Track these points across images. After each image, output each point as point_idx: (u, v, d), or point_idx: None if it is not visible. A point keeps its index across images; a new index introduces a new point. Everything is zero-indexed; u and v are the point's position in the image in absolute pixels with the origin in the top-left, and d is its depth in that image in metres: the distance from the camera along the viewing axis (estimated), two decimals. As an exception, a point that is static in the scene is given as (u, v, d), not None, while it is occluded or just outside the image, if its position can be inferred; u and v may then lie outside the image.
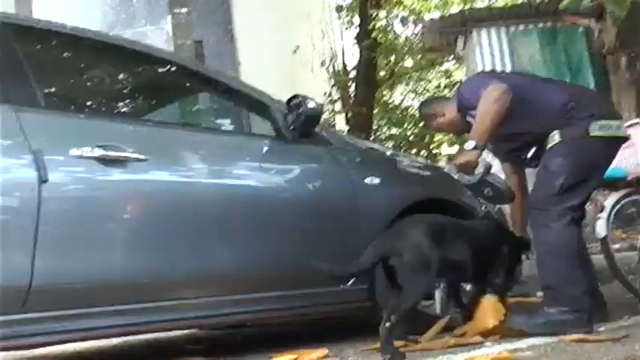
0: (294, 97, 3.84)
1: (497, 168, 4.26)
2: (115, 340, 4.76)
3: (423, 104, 4.76)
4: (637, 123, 4.86)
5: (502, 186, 3.83)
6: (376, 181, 3.98)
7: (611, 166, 4.02)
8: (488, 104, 3.65)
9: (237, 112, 4.62)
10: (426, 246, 3.33)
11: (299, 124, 3.79)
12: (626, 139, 3.83)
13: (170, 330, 4.06)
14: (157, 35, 13.27)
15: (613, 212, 4.47)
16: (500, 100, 3.63)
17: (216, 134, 3.98)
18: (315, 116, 3.83)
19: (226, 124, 5.10)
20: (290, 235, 3.63)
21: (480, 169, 3.71)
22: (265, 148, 3.84)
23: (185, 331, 5.05)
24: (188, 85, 4.30)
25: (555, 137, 3.73)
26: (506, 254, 3.87)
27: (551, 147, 3.76)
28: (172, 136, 3.51)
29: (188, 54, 9.50)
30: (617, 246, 5.03)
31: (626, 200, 4.59)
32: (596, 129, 3.65)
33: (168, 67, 3.87)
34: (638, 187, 4.64)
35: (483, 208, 4.62)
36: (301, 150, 3.90)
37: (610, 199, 4.54)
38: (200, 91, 4.74)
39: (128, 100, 4.19)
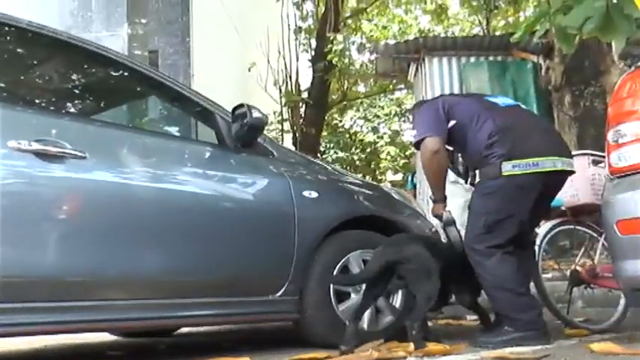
0: (240, 106, 3.85)
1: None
2: (36, 344, 4.68)
3: None
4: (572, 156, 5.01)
5: (454, 238, 4.14)
6: (315, 194, 4.02)
7: None
8: (425, 166, 4.12)
9: (183, 118, 4.61)
10: (428, 256, 3.71)
11: (242, 133, 3.81)
12: (556, 171, 3.93)
13: (98, 330, 4.02)
14: (113, 42, 13.20)
15: (545, 240, 4.60)
16: (435, 158, 4.02)
17: (158, 137, 3.95)
18: (259, 126, 3.85)
19: (170, 128, 5.12)
20: (224, 243, 3.62)
21: (443, 218, 4.17)
22: (207, 155, 3.85)
23: (108, 338, 5.02)
24: (136, 87, 4.26)
25: (477, 176, 4.04)
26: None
27: (475, 185, 4.07)
28: (114, 136, 3.49)
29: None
30: (549, 275, 5.18)
31: (558, 229, 4.74)
32: (509, 168, 3.83)
33: (118, 67, 3.84)
34: (572, 217, 4.78)
35: (432, 229, 4.75)
36: (242, 159, 3.91)
37: (543, 228, 4.68)
38: (148, 94, 4.72)
39: (74, 98, 4.16)
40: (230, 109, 3.91)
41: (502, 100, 4.42)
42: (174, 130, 5.00)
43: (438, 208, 4.21)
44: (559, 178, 4.05)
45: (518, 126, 4.04)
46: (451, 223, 4.17)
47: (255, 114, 3.78)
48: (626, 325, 4.56)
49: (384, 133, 23.93)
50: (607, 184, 2.81)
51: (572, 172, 4.11)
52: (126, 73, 3.85)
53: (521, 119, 4.19)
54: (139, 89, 4.36)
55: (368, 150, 23.07)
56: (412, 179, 12.91)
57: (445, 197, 4.23)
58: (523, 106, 4.54)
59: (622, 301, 4.67)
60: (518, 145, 3.90)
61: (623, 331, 4.39)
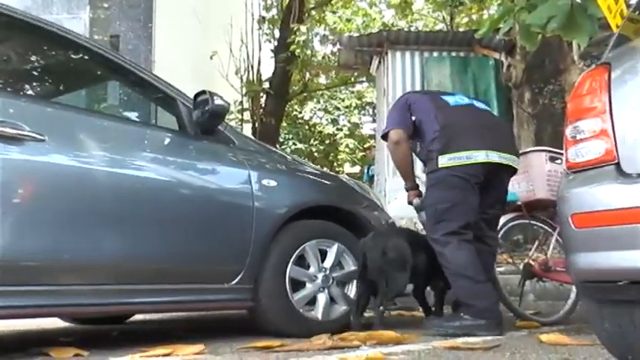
0: (202, 92, 3.83)
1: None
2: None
3: None
4: (529, 151, 5.08)
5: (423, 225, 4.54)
6: (273, 183, 4.02)
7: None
8: (391, 154, 4.54)
9: (144, 103, 4.56)
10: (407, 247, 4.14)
11: (203, 120, 3.79)
12: (490, 163, 4.19)
13: (50, 316, 3.96)
14: (74, 25, 12.96)
15: (499, 234, 4.66)
16: (398, 149, 4.40)
17: (119, 122, 3.89)
18: (220, 113, 3.83)
19: (131, 113, 5.05)
20: (181, 230, 3.60)
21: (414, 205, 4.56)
22: (166, 141, 3.81)
23: (61, 324, 4.95)
24: (98, 70, 4.22)
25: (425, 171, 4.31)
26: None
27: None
28: (74, 119, 3.43)
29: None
30: (502, 269, 5.24)
31: (513, 223, 4.80)
32: (445, 161, 4.19)
33: (79, 50, 3.78)
34: (527, 212, 4.84)
35: (390, 220, 4.82)
36: (202, 146, 3.89)
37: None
38: (109, 78, 4.66)
39: (34, 80, 4.10)
40: (191, 96, 3.87)
41: (455, 99, 4.60)
42: (134, 115, 4.93)
43: (410, 196, 4.58)
44: (499, 171, 4.30)
45: (460, 124, 4.34)
46: (421, 209, 4.47)
47: (217, 101, 3.76)
48: (575, 318, 4.66)
49: (344, 126, 24.08)
50: (563, 179, 2.83)
51: (514, 169, 4.39)
52: (87, 56, 3.81)
53: (466, 117, 4.43)
54: (100, 72, 4.33)
55: (327, 142, 23.20)
56: (368, 171, 13.01)
57: (417, 185, 4.54)
58: (478, 105, 4.64)
59: (572, 295, 4.77)
60: (454, 141, 4.22)
61: (572, 324, 4.50)
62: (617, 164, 2.50)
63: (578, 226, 2.54)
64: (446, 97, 4.59)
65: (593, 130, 2.61)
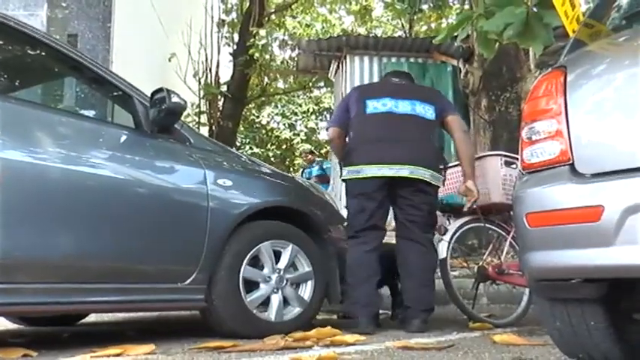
0: (159, 90, 3.78)
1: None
2: None
3: None
4: (485, 156, 5.12)
5: None
6: (229, 183, 3.98)
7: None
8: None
9: (100, 100, 4.49)
10: None
11: (160, 118, 3.75)
12: (374, 177, 4.38)
13: (1, 315, 3.88)
14: (31, 23, 12.69)
15: (454, 237, 4.69)
16: (334, 146, 4.95)
17: (73, 118, 3.76)
18: (177, 111, 3.79)
19: (87, 110, 4.98)
20: (135, 228, 3.54)
21: None
22: (122, 139, 3.74)
23: (10, 326, 4.85)
24: (54, 65, 4.14)
25: None
26: None
27: None
28: (29, 114, 3.33)
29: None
30: (456, 273, 5.27)
31: (468, 227, 4.83)
32: (345, 173, 4.56)
33: (35, 44, 3.69)
34: (482, 216, 4.87)
35: (345, 223, 4.77)
36: (158, 144, 3.83)
37: (453, 225, 4.78)
38: (65, 74, 4.57)
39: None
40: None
41: (375, 105, 4.60)
42: (90, 112, 4.86)
43: None
44: (403, 183, 4.39)
45: (363, 135, 4.56)
46: None
47: (174, 99, 3.73)
48: (527, 320, 4.70)
49: (301, 131, 24.14)
50: (519, 179, 2.86)
51: (418, 180, 4.39)
52: (44, 51, 3.73)
53: (372, 129, 4.54)
54: (57, 68, 4.25)
55: (283, 146, 23.24)
56: (303, 174, 13.09)
57: None
58: (401, 111, 4.57)
59: (525, 298, 4.82)
60: (352, 154, 4.53)
61: (524, 326, 4.55)
62: (572, 165, 2.53)
63: (533, 225, 2.56)
64: (369, 101, 4.61)
65: (549, 132, 2.64)
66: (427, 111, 4.60)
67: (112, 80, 3.81)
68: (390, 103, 4.58)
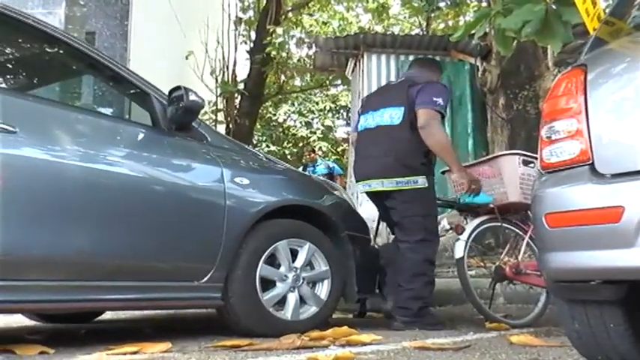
0: (177, 88, 3.78)
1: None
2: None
3: None
4: (502, 155, 5.10)
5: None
6: (246, 181, 3.98)
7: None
8: None
9: (118, 98, 4.50)
10: None
11: (177, 116, 3.75)
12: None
13: (17, 312, 3.90)
14: (49, 21, 12.77)
15: (472, 236, 4.67)
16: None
17: (91, 116, 3.77)
18: (194, 109, 3.79)
19: (105, 108, 4.99)
20: (152, 226, 3.54)
21: None
22: (139, 137, 3.76)
23: (27, 322, 4.88)
24: (72, 63, 4.14)
25: None
26: None
27: None
28: (47, 112, 3.35)
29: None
30: (473, 272, 5.25)
31: (485, 226, 4.82)
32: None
33: (54, 42, 3.69)
34: (499, 215, 4.85)
35: (361, 221, 4.82)
36: (176, 142, 3.83)
37: (470, 224, 4.77)
38: (84, 72, 4.58)
39: (7, 72, 4.02)
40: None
41: (367, 122, 4.94)
42: (108, 109, 4.88)
43: None
44: (381, 194, 4.76)
45: (358, 152, 5.02)
46: None
47: (192, 97, 3.73)
48: (544, 321, 4.67)
49: (317, 129, 24.11)
50: (538, 179, 2.83)
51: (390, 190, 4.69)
52: (62, 49, 3.74)
53: (361, 146, 4.98)
54: (75, 66, 4.25)
55: (300, 144, 23.21)
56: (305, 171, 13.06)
57: None
58: (384, 124, 4.78)
59: (542, 298, 4.79)
60: (355, 170, 5.01)
61: (541, 327, 4.52)
62: (592, 165, 2.50)
63: (552, 225, 2.54)
64: (361, 117, 5.04)
65: (569, 131, 2.62)
66: (394, 116, 4.74)
67: (130, 78, 3.82)
68: (369, 119, 4.94)
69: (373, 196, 4.88)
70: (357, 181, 4.98)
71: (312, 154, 13.92)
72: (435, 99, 4.62)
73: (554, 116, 2.71)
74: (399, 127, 4.68)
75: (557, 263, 2.55)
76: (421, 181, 4.60)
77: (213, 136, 4.15)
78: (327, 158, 14.56)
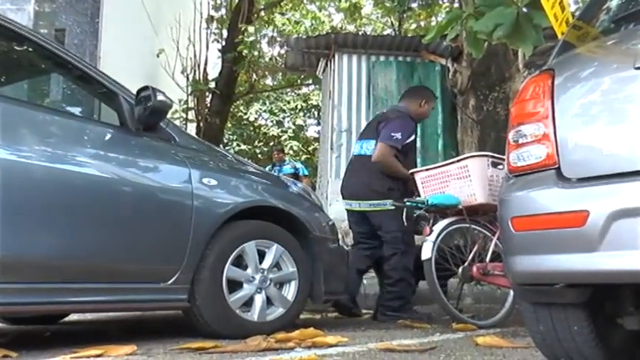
0: (144, 88, 3.75)
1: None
2: None
3: None
4: (471, 156, 5.12)
5: None
6: (214, 182, 3.96)
7: (446, 194, 4.91)
8: None
9: (86, 97, 4.45)
10: None
11: (145, 116, 3.72)
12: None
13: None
14: (18, 17, 12.65)
15: (440, 237, 4.68)
16: None
17: (59, 116, 3.72)
18: (162, 109, 3.77)
19: (74, 107, 4.94)
20: (118, 227, 3.52)
21: None
22: (107, 137, 3.72)
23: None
24: (39, 62, 4.09)
25: None
26: None
27: None
28: (13, 111, 3.29)
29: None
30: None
31: (453, 227, 4.83)
32: None
33: (20, 41, 3.64)
34: (468, 216, 4.87)
35: (330, 222, 4.82)
36: (143, 142, 3.80)
37: (438, 225, 4.77)
38: (51, 71, 4.54)
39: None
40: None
41: (356, 150, 5.84)
42: (75, 109, 4.82)
43: None
44: (366, 214, 5.52)
45: (346, 174, 5.90)
46: None
47: (160, 97, 3.70)
48: (512, 322, 4.70)
49: (289, 128, 24.08)
50: (505, 182, 2.84)
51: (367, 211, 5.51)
52: (28, 47, 3.69)
53: (351, 169, 5.84)
54: (41, 64, 4.21)
55: (271, 144, 23.17)
56: (284, 168, 13.03)
57: None
58: (362, 154, 5.67)
59: (509, 299, 4.81)
60: (341, 189, 5.83)
61: (509, 327, 4.55)
62: (558, 169, 2.52)
63: (518, 229, 2.55)
64: (356, 143, 6.02)
65: (536, 135, 2.63)
66: (369, 148, 5.60)
67: (98, 77, 3.78)
68: (356, 147, 5.88)
69: (357, 213, 5.62)
70: (342, 199, 5.79)
71: (280, 154, 13.89)
72: (392, 134, 5.38)
73: (521, 120, 2.72)
74: (370, 157, 5.50)
75: (523, 266, 2.56)
76: (389, 204, 5.17)
77: (182, 136, 4.13)
78: (296, 158, 14.55)
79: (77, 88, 4.50)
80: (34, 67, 4.33)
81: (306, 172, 13.83)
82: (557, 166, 2.52)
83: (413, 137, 5.54)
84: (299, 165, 13.56)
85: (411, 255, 5.24)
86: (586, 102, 2.54)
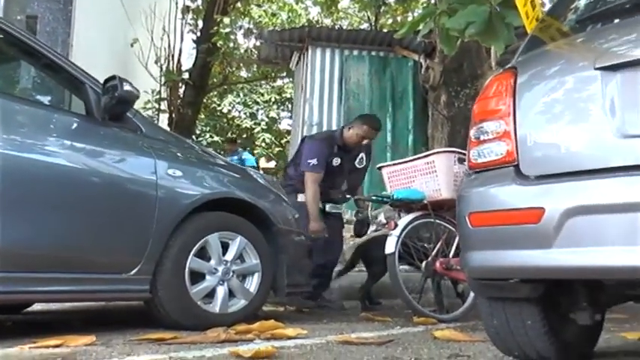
0: (111, 78, 3.72)
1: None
2: None
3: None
4: (438, 152, 5.16)
5: None
6: (179, 173, 3.94)
7: (412, 188, 4.96)
8: None
9: (52, 86, 4.42)
10: None
11: (111, 106, 3.69)
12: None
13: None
14: (-13, 3, 12.52)
15: (404, 232, 4.70)
16: None
17: (21, 104, 3.66)
18: (128, 99, 3.74)
19: (40, 95, 4.90)
20: (80, 217, 3.49)
21: None
22: (72, 126, 3.70)
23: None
24: (5, 49, 4.03)
25: None
26: None
27: None
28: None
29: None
30: (406, 267, 5.29)
31: (418, 222, 4.86)
32: None
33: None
34: (432, 211, 4.91)
35: (296, 215, 4.84)
36: (109, 132, 3.77)
37: (403, 219, 4.80)
38: (17, 58, 4.48)
39: None
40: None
41: None
42: (41, 97, 4.78)
43: None
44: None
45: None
46: None
47: (126, 87, 3.67)
48: (472, 316, 4.72)
49: (262, 120, 24.07)
50: (465, 178, 2.87)
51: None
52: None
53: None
54: (7, 52, 4.14)
55: (244, 136, 23.13)
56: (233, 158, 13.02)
57: None
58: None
59: (472, 293, 4.83)
60: None
61: (469, 321, 4.59)
62: (517, 166, 2.55)
63: (475, 224, 2.58)
64: None
65: (497, 132, 2.65)
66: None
67: (64, 66, 3.75)
68: None
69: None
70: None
71: (232, 144, 13.83)
72: (308, 161, 5.66)
73: (483, 117, 2.75)
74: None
75: (478, 261, 2.59)
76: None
77: (148, 127, 4.10)
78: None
79: (44, 77, 4.44)
80: (0, 55, 4.28)
81: (254, 164, 13.82)
82: (516, 163, 2.55)
83: (336, 159, 5.80)
84: (246, 156, 13.57)
85: None
86: (547, 101, 2.57)
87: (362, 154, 5.97)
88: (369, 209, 5.29)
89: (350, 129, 5.83)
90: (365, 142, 5.80)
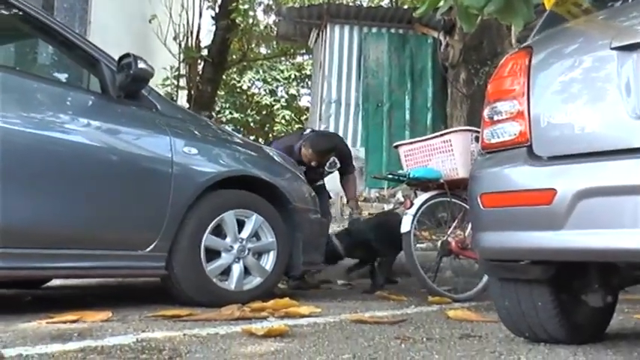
0: (126, 55, 3.73)
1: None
2: None
3: None
4: (455, 131, 5.14)
5: None
6: (194, 151, 3.96)
7: (428, 167, 4.93)
8: None
9: (68, 64, 4.44)
10: None
11: (126, 84, 3.71)
12: None
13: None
14: (6, -21, 12.49)
15: (420, 211, 4.71)
16: None
17: (38, 82, 3.69)
18: (143, 77, 3.74)
19: (56, 73, 4.91)
20: (97, 194, 3.53)
21: None
22: (87, 103, 3.72)
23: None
24: (20, 27, 4.04)
25: None
26: None
27: None
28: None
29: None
30: (423, 245, 5.29)
31: (434, 201, 4.85)
32: None
33: (3, 6, 3.62)
34: (449, 190, 4.90)
35: (312, 194, 4.85)
36: (124, 110, 3.79)
37: (419, 198, 4.80)
38: (32, 36, 4.50)
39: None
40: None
41: None
42: (57, 75, 4.80)
43: None
44: None
45: None
46: None
47: (141, 64, 3.67)
48: (487, 296, 4.71)
49: (282, 97, 24.00)
50: (478, 158, 2.87)
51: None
52: (8, 11, 3.65)
53: None
54: (22, 30, 4.15)
55: (263, 112, 23.11)
56: None
57: None
58: None
59: (486, 273, 4.83)
60: None
61: (484, 301, 4.57)
62: (530, 147, 2.54)
63: (487, 205, 2.58)
64: None
65: (510, 112, 2.64)
66: None
67: (79, 43, 3.76)
68: None
69: None
70: None
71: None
72: None
73: (497, 97, 2.74)
74: None
75: (490, 242, 2.59)
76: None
77: (164, 104, 4.11)
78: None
79: (60, 54, 4.46)
80: (16, 33, 4.29)
81: None
82: (529, 144, 2.54)
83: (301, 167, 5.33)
84: None
85: None
86: (561, 80, 2.55)
87: (332, 159, 5.80)
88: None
89: (303, 147, 5.60)
90: (313, 164, 5.60)
